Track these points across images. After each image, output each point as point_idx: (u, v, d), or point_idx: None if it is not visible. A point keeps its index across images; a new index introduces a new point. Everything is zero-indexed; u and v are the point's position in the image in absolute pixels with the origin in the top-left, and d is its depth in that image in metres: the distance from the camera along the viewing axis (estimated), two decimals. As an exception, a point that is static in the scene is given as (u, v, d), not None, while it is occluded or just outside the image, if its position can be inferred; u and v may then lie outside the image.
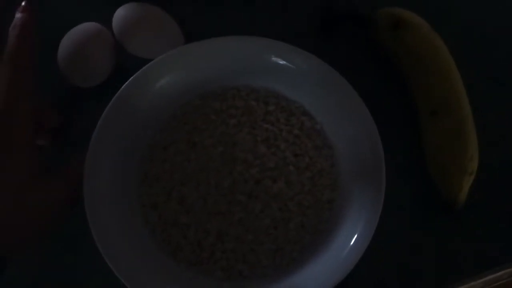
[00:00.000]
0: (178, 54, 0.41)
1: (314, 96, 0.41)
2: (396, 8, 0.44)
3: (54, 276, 0.40)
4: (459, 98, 0.41)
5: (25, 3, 0.37)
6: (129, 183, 0.39)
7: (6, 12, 0.39)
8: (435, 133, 0.41)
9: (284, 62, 0.41)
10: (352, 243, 0.36)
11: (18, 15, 0.37)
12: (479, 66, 0.45)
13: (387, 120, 0.39)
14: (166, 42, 0.44)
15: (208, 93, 0.42)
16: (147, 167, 0.40)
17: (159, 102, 0.41)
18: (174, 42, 0.44)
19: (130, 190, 0.39)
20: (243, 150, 0.40)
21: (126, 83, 0.40)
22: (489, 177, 0.41)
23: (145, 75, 0.40)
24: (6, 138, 0.34)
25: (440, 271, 0.40)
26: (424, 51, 0.42)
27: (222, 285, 0.37)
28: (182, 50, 0.41)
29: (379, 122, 0.38)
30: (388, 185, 0.36)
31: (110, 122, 0.39)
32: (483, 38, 0.47)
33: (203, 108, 0.42)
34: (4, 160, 0.34)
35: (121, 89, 0.39)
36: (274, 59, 0.41)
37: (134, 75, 0.40)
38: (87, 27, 0.44)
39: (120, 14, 0.44)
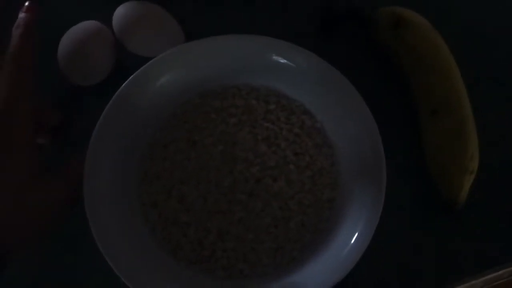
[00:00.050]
0: (178, 53, 0.41)
1: (314, 94, 0.41)
2: (397, 7, 0.44)
3: (54, 276, 0.40)
4: (459, 97, 0.41)
5: (29, 3, 0.37)
6: (129, 182, 0.39)
7: (6, 12, 0.39)
8: (435, 132, 0.41)
9: (285, 61, 0.41)
10: (352, 242, 0.36)
11: (21, 15, 0.37)
12: (479, 66, 0.45)
13: (387, 120, 0.39)
14: (166, 41, 0.44)
15: (208, 92, 0.42)
16: (147, 165, 0.40)
17: (159, 100, 0.41)
18: (174, 40, 0.44)
19: (130, 188, 0.39)
20: (243, 149, 0.40)
21: (126, 81, 0.40)
22: (489, 177, 0.41)
23: (145, 73, 0.40)
24: (6, 138, 0.34)
25: (440, 271, 0.40)
26: (425, 50, 0.42)
27: (222, 284, 0.37)
28: (182, 48, 0.41)
29: (379, 122, 0.38)
30: (388, 185, 0.36)
31: (110, 120, 0.38)
32: (483, 38, 0.47)
33: (203, 107, 0.42)
34: (4, 160, 0.34)
35: (121, 87, 0.39)
36: (274, 57, 0.41)
37: (134, 74, 0.40)
38: (87, 25, 0.44)
39: (120, 12, 0.44)
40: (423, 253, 0.40)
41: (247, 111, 0.41)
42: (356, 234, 0.36)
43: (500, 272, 0.40)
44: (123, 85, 0.39)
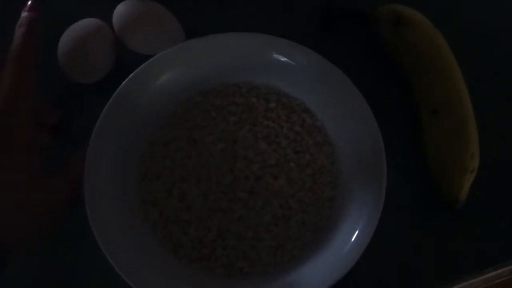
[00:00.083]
0: (179, 51, 0.41)
1: (315, 93, 0.41)
2: (397, 5, 0.44)
3: (54, 276, 0.40)
4: (460, 97, 0.41)
5: (32, 2, 0.37)
6: (130, 180, 0.39)
7: (7, 11, 0.39)
8: (436, 132, 0.41)
9: (285, 59, 0.41)
10: (352, 240, 0.36)
11: (24, 13, 0.37)
12: (479, 65, 0.45)
13: (387, 119, 0.39)
14: (166, 38, 0.44)
15: (209, 90, 0.42)
16: (148, 163, 0.40)
17: (160, 98, 0.41)
18: (174, 38, 0.44)
19: (130, 186, 0.39)
20: (243, 147, 0.39)
21: (127, 79, 0.39)
22: (489, 176, 0.41)
23: (146, 71, 0.40)
24: (6, 138, 0.34)
25: (440, 271, 0.40)
26: (425, 48, 0.42)
27: (222, 282, 0.37)
28: (182, 46, 0.41)
29: (380, 121, 0.38)
30: (388, 185, 0.36)
31: (111, 118, 0.38)
32: (483, 38, 0.47)
33: (204, 105, 0.41)
34: (4, 160, 0.34)
35: (121, 85, 0.39)
36: (274, 55, 0.41)
37: (135, 72, 0.40)
38: (87, 23, 0.44)
39: (120, 10, 0.44)
40: (423, 253, 0.40)
41: (248, 109, 0.41)
42: (356, 233, 0.36)
43: (500, 271, 0.40)
44: (123, 83, 0.39)
